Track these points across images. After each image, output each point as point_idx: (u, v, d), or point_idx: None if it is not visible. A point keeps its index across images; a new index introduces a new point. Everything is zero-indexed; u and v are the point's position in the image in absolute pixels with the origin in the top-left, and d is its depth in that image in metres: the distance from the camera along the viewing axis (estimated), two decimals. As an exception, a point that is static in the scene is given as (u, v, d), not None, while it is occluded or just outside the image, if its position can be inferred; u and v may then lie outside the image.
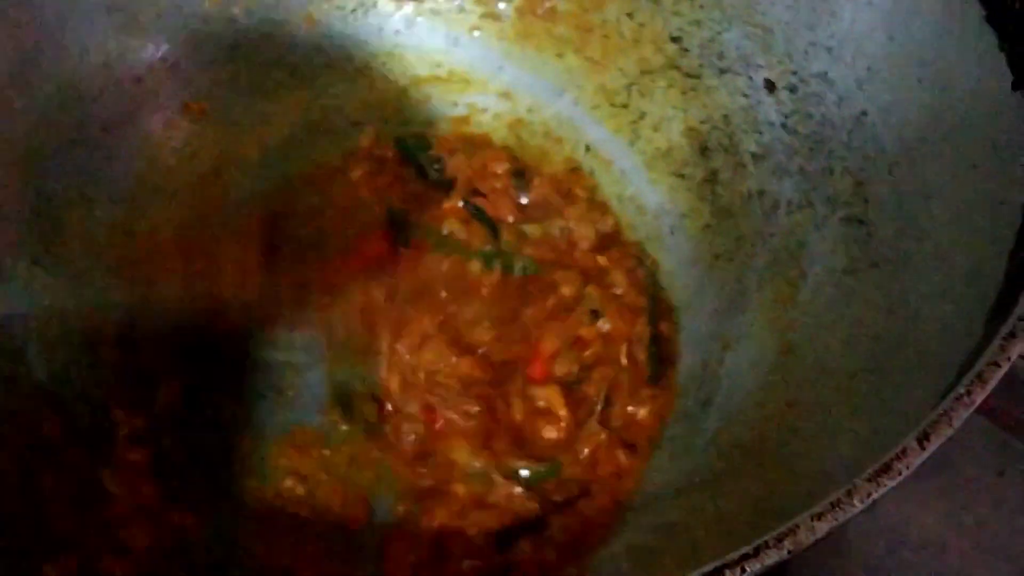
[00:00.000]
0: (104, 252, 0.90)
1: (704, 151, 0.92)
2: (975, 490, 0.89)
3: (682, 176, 0.93)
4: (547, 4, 0.97)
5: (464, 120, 1.01)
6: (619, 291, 0.90)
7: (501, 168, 0.96)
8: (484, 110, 1.01)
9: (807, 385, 0.75)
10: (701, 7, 0.91)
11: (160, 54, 0.94)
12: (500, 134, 1.01)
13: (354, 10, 0.99)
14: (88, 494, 0.78)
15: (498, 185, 0.96)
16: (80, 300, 0.87)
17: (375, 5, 1.00)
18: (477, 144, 0.99)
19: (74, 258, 0.89)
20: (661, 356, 0.87)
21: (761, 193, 0.87)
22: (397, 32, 1.02)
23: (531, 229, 0.94)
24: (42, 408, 0.80)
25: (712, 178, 0.91)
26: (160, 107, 0.95)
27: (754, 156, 0.88)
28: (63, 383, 0.83)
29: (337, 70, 1.00)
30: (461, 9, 1.01)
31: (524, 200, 0.96)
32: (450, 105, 1.02)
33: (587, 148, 0.97)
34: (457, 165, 0.97)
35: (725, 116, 0.90)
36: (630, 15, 0.95)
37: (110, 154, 0.92)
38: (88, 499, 0.78)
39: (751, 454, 0.74)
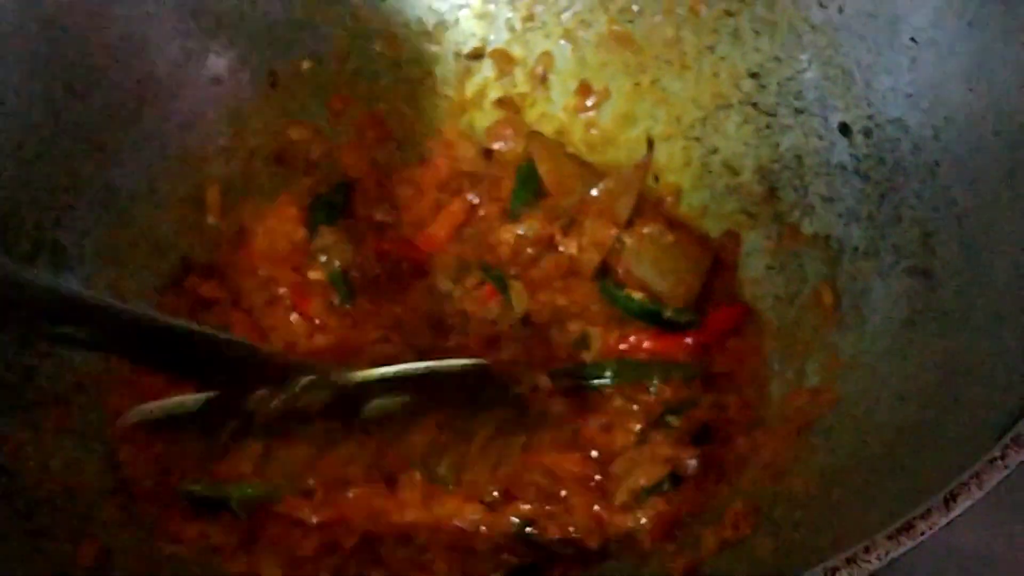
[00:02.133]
0: (168, 249, 0.92)
1: (773, 190, 0.90)
2: (1024, 501, 0.86)
3: (749, 214, 0.92)
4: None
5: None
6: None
7: None
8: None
9: (855, 438, 0.74)
10: (782, 45, 0.90)
11: (240, 56, 0.95)
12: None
13: (434, 27, 1.00)
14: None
15: None
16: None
17: (456, 23, 1.00)
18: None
19: (140, 253, 0.91)
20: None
21: (828, 237, 0.86)
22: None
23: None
24: None
25: (780, 218, 0.90)
26: (238, 110, 0.96)
27: (824, 199, 0.87)
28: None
29: (414, 84, 1.01)
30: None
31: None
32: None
33: (656, 179, 0.96)
34: None
35: (798, 157, 0.89)
36: (711, 48, 0.94)
37: (184, 152, 0.93)
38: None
39: (791, 505, 0.73)
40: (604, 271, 0.92)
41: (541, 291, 0.92)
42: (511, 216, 0.95)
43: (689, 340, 0.89)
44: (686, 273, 0.91)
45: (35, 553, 0.71)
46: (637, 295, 0.90)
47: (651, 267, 0.91)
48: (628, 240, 0.91)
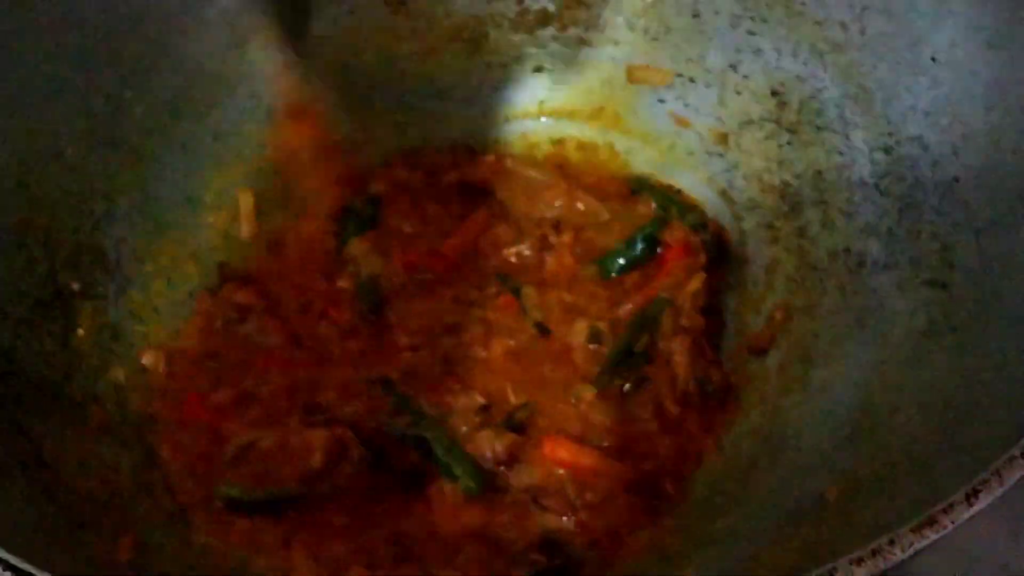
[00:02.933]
0: (205, 255, 0.95)
1: (795, 205, 0.92)
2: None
3: (771, 228, 0.94)
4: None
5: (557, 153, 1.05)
6: (687, 322, 0.92)
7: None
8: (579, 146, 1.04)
9: (875, 444, 0.75)
10: (804, 63, 0.92)
11: (279, 68, 0.98)
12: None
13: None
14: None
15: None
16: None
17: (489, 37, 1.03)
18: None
19: (176, 259, 0.93)
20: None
21: (848, 251, 0.87)
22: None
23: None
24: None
25: (800, 232, 0.91)
26: (272, 120, 0.98)
27: (844, 214, 0.89)
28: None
29: (445, 99, 1.04)
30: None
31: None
32: (545, 139, 1.05)
33: (679, 192, 0.99)
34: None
35: (819, 172, 0.91)
36: (734, 67, 0.96)
37: (218, 162, 0.96)
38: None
39: (813, 505, 0.74)
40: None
41: (550, 291, 0.95)
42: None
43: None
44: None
45: (76, 544, 0.72)
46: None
47: None
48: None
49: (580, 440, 0.87)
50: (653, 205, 0.99)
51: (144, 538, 0.76)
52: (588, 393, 0.89)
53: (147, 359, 0.88)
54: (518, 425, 0.87)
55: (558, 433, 0.87)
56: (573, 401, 0.89)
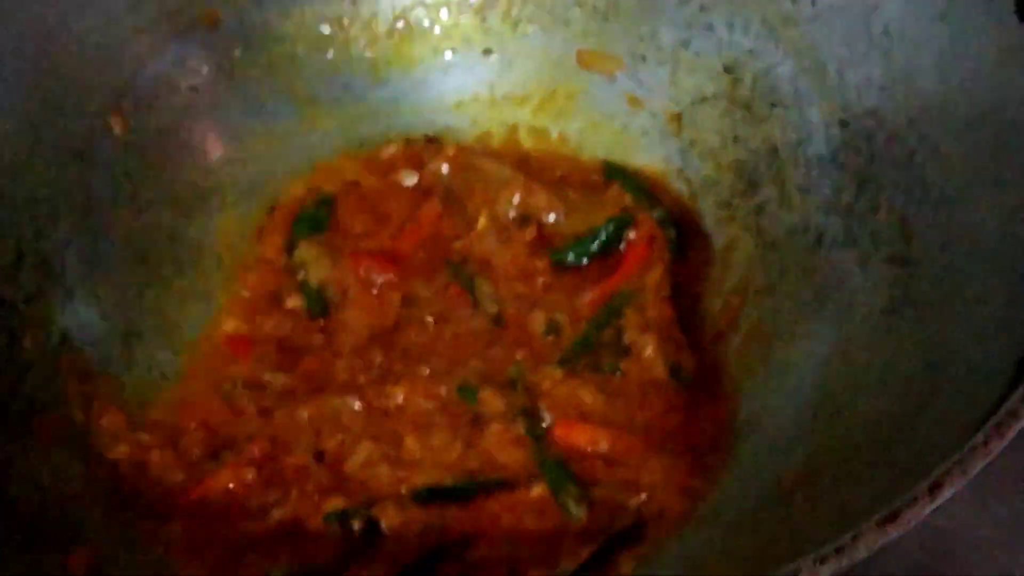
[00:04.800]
0: (149, 255, 0.92)
1: (752, 182, 0.91)
2: (1010, 483, 0.87)
3: (728, 206, 0.92)
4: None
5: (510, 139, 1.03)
6: (653, 313, 0.90)
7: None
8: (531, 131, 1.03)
9: (838, 425, 0.75)
10: (756, 38, 0.90)
11: (218, 64, 0.96)
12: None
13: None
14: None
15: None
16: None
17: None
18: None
19: (122, 259, 0.91)
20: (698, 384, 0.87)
21: (806, 228, 0.86)
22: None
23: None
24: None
25: (758, 210, 0.90)
26: (215, 116, 0.96)
27: (801, 190, 0.88)
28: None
29: (390, 87, 1.02)
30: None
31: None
32: (497, 124, 1.03)
33: (635, 173, 0.97)
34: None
35: (774, 148, 0.90)
36: (685, 44, 0.95)
37: (162, 159, 0.94)
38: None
39: (776, 492, 0.73)
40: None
41: (503, 282, 0.94)
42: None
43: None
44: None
45: (28, 562, 0.71)
46: None
47: None
48: None
49: (588, 419, 0.85)
50: (625, 196, 0.97)
51: (97, 552, 0.75)
52: (556, 372, 0.87)
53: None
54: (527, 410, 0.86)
55: (566, 417, 0.85)
56: (548, 384, 0.87)
